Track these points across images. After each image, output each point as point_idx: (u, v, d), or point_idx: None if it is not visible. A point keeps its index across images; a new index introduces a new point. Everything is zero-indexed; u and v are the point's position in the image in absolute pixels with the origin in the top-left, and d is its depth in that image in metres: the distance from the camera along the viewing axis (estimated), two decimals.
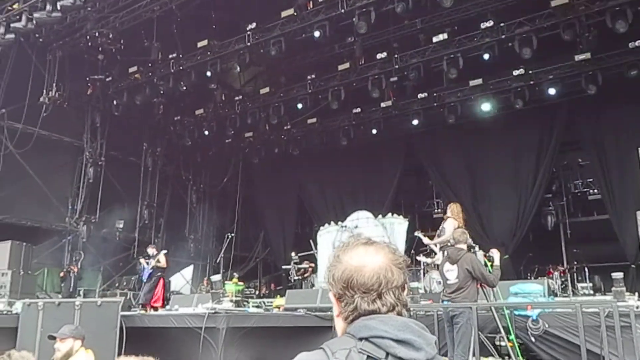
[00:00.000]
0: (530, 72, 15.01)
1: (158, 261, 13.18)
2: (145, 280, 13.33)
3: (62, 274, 15.72)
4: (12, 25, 14.00)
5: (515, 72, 15.09)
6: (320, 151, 19.67)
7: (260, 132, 20.23)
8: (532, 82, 15.21)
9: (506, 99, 15.92)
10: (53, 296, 14.35)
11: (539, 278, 12.70)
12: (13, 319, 9.27)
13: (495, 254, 7.26)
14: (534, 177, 16.63)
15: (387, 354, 1.36)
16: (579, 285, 13.92)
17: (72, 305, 8.69)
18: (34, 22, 13.70)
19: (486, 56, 14.17)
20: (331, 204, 20.16)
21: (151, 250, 13.71)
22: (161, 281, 13.26)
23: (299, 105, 17.74)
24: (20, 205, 16.16)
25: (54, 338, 5.04)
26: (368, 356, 1.36)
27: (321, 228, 17.48)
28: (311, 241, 16.01)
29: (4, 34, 14.15)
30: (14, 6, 13.98)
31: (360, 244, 1.53)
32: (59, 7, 13.09)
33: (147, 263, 13.25)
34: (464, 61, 14.45)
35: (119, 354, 7.68)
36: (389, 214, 16.94)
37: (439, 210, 18.99)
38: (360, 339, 1.39)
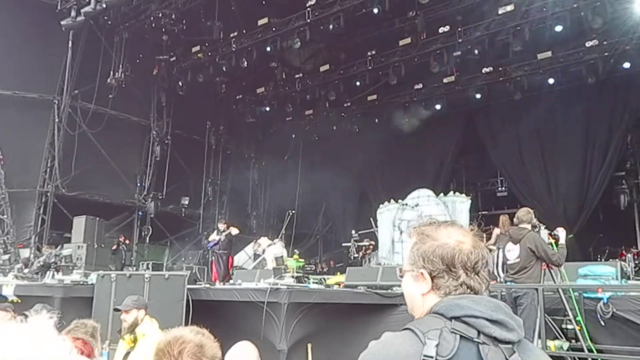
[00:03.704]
0: (604, 43, 14.17)
1: (228, 235, 13.08)
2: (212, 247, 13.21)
3: (114, 247, 15.73)
4: (82, 10, 14.58)
5: (588, 44, 14.29)
6: (380, 128, 19.47)
7: (320, 109, 20.24)
8: (606, 54, 14.37)
9: (577, 72, 15.13)
10: (123, 269, 14.98)
11: (610, 260, 12.15)
12: (89, 289, 9.81)
13: (560, 232, 7.00)
14: (603, 154, 15.80)
15: (479, 333, 1.35)
16: None
17: (142, 278, 9.09)
18: (103, 4, 14.19)
19: (556, 27, 13.49)
20: (390, 182, 19.98)
21: (222, 226, 13.52)
22: (230, 259, 13.35)
23: (359, 83, 17.58)
24: (93, 182, 16.99)
25: (119, 310, 5.28)
26: (461, 336, 1.35)
27: (381, 206, 17.40)
28: (371, 219, 15.97)
29: (75, 17, 14.77)
30: None
31: (448, 224, 1.58)
32: None
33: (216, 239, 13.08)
34: (531, 33, 13.82)
35: (186, 325, 7.99)
36: (451, 192, 16.64)
37: (503, 188, 18.44)
38: (451, 319, 1.38)
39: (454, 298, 1.42)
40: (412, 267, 1.54)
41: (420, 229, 1.57)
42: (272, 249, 13.06)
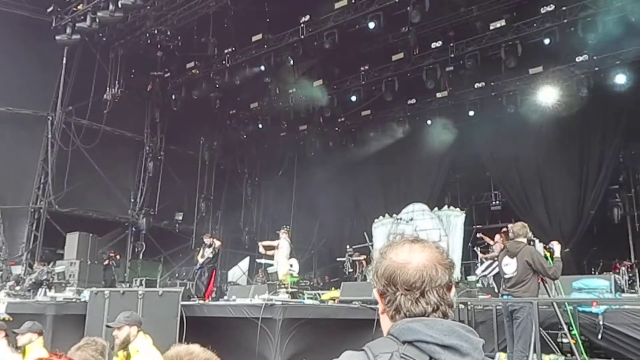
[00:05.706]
0: (595, 58, 14.34)
1: (214, 249, 12.98)
2: (199, 269, 13.01)
3: (105, 262, 15.35)
4: (77, 25, 14.65)
5: (579, 59, 14.45)
6: (375, 143, 19.53)
7: (314, 124, 20.30)
8: (597, 69, 14.53)
9: (569, 87, 15.28)
10: (117, 285, 14.83)
11: (604, 273, 12.17)
12: (81, 307, 9.71)
13: (555, 245, 7.02)
14: (597, 168, 15.88)
15: (431, 358, 1.33)
16: None
17: (135, 295, 9.01)
18: (97, 21, 14.26)
19: (547, 41, 13.65)
20: (385, 196, 20.00)
21: (208, 240, 13.35)
22: (214, 272, 13.24)
23: (353, 98, 17.70)
24: (87, 198, 16.93)
25: (111, 327, 5.23)
26: None
27: (375, 220, 17.41)
28: (365, 234, 15.96)
29: (70, 34, 14.83)
30: (79, 7, 14.62)
31: (406, 241, 1.52)
32: (120, 6, 13.58)
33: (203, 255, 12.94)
34: (523, 48, 13.97)
35: (180, 342, 7.91)
36: (445, 206, 16.67)
37: (497, 202, 18.49)
38: (404, 343, 1.36)
39: (407, 321, 1.39)
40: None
41: (381, 248, 1.56)
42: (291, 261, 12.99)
